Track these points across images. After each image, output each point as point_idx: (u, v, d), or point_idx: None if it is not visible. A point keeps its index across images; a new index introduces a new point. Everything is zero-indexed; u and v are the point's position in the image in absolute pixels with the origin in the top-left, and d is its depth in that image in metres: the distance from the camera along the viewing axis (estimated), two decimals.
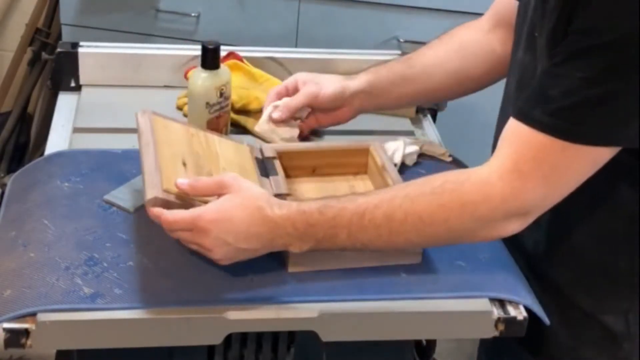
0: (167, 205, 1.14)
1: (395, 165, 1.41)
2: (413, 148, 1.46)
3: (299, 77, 1.45)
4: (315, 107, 1.45)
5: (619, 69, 1.02)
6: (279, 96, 1.46)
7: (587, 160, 1.08)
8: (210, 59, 1.44)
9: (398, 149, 1.45)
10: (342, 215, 1.13)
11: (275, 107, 1.44)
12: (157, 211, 1.13)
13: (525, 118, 1.09)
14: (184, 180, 1.14)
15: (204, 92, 1.45)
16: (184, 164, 1.23)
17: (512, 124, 1.11)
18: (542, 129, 1.07)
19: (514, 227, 1.13)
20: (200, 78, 1.45)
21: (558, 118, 1.06)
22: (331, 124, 1.48)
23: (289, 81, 1.46)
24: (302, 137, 1.51)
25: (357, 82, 1.43)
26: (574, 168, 1.08)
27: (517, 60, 1.24)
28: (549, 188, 1.09)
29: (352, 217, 1.12)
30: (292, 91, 1.45)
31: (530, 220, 1.13)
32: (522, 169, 1.08)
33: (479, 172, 1.12)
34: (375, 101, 1.44)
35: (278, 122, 1.44)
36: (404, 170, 1.44)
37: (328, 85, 1.42)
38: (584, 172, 1.10)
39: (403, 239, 1.14)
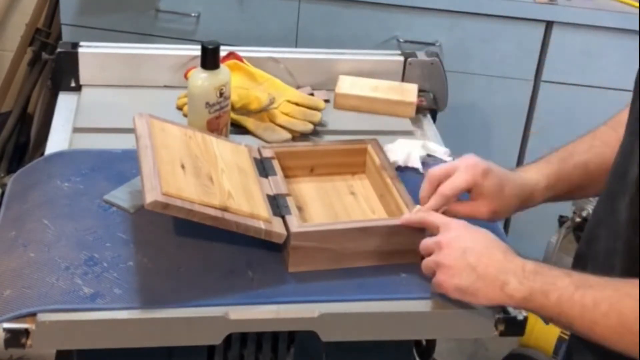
0: (167, 208, 1.14)
1: (407, 166, 1.42)
2: (423, 151, 1.47)
3: (462, 163, 1.23)
4: (478, 195, 1.24)
5: None
6: (440, 181, 1.24)
7: None
8: (210, 59, 1.44)
9: (414, 151, 1.45)
10: (560, 279, 1.05)
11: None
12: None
13: None
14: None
15: (203, 92, 1.44)
16: (182, 167, 1.23)
17: None
18: None
19: None
20: (200, 78, 1.45)
21: None
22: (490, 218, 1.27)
23: (452, 166, 1.24)
24: (299, 138, 1.52)
25: (539, 196, 1.24)
26: None
27: (626, 174, 1.09)
28: None
29: (568, 287, 1.04)
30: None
31: None
32: None
33: None
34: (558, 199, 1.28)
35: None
36: (404, 170, 1.44)
37: (495, 171, 1.22)
38: None
39: (600, 336, 1.03)
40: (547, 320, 1.09)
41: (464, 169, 1.21)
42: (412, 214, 1.22)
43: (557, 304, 1.05)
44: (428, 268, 1.15)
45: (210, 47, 1.44)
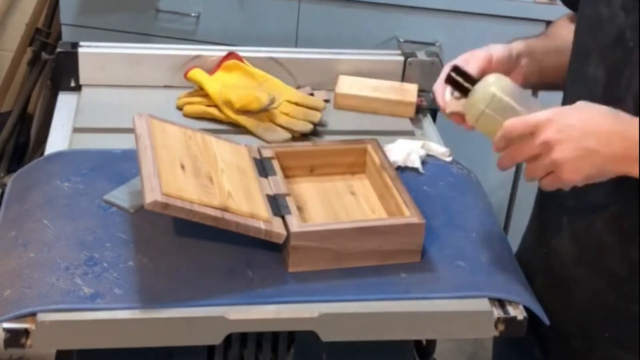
0: (167, 208, 1.14)
1: (407, 166, 1.42)
2: (422, 151, 1.47)
3: (463, 56, 1.27)
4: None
5: None
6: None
7: None
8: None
9: (414, 151, 1.45)
10: None
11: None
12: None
13: None
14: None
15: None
16: (182, 167, 1.23)
17: None
18: None
19: None
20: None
21: None
22: None
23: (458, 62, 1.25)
24: (299, 138, 1.52)
25: (517, 45, 1.30)
26: None
27: (586, 75, 1.19)
28: None
29: None
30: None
31: None
32: None
33: None
34: (536, 66, 1.31)
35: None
36: (404, 170, 1.44)
37: (497, 48, 1.26)
38: None
39: None
40: None
41: (473, 58, 1.23)
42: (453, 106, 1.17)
43: None
44: (540, 172, 1.06)
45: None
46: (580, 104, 1.07)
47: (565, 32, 1.34)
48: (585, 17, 1.22)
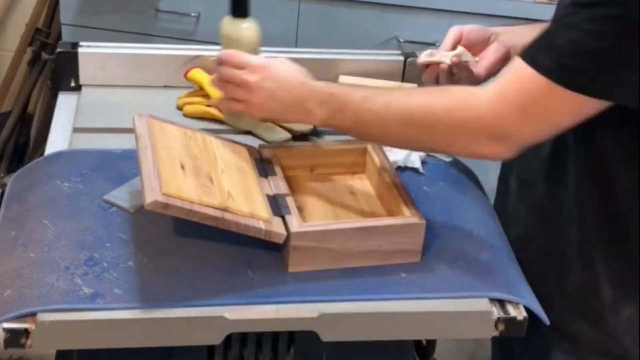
0: (167, 208, 1.14)
1: (407, 166, 1.42)
2: (422, 153, 1.47)
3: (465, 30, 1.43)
4: (465, 44, 1.41)
5: (621, 24, 1.04)
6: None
7: (570, 106, 1.11)
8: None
9: (414, 151, 1.45)
10: (352, 94, 1.23)
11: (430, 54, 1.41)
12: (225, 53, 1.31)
13: (529, 59, 1.12)
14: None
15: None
16: (182, 167, 1.23)
17: (515, 61, 1.15)
18: (540, 70, 1.10)
19: (491, 149, 1.16)
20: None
21: (556, 63, 1.09)
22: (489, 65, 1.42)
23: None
24: (299, 138, 1.52)
25: (497, 28, 1.45)
26: (555, 109, 1.12)
27: None
28: (527, 120, 1.13)
29: (359, 99, 1.23)
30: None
31: (506, 149, 1.16)
32: (507, 95, 1.14)
33: (472, 88, 1.21)
34: (517, 40, 1.40)
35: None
36: (404, 170, 1.44)
37: (469, 25, 1.43)
38: (565, 117, 1.13)
39: (394, 131, 1.22)
40: (345, 131, 1.27)
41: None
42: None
43: (354, 114, 1.22)
44: (232, 102, 1.30)
45: None
46: (284, 62, 1.29)
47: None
48: None
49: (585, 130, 1.17)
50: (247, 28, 1.46)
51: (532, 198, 1.32)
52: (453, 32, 1.41)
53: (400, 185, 1.30)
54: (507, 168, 1.41)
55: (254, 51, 1.44)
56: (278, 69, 1.27)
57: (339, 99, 1.23)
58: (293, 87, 1.25)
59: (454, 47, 1.39)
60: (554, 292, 1.27)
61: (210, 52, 1.68)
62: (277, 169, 1.34)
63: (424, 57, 1.40)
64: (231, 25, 1.46)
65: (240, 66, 1.27)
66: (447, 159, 1.49)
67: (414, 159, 1.45)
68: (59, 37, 2.64)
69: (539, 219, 1.31)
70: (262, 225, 1.19)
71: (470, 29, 1.41)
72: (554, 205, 1.27)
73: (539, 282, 1.26)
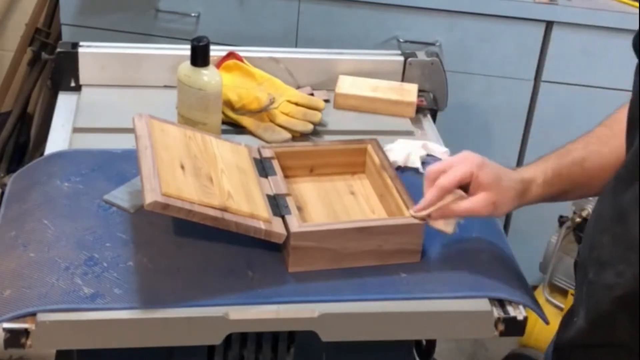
0: (166, 209, 1.14)
1: (407, 166, 1.42)
2: (422, 151, 1.47)
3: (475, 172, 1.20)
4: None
5: None
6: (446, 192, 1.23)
7: None
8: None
9: (414, 151, 1.45)
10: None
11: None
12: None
13: None
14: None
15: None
16: (182, 167, 1.23)
17: None
18: None
19: None
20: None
21: None
22: None
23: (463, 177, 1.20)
24: (299, 138, 1.52)
25: (536, 190, 1.23)
26: None
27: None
28: None
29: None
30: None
31: None
32: None
33: None
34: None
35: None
36: (404, 170, 1.44)
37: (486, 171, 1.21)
38: None
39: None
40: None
41: (461, 161, 1.20)
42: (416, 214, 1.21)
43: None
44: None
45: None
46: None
47: (581, 145, 1.26)
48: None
49: None
50: (210, 76, 1.46)
51: None
52: (460, 173, 1.19)
53: (400, 185, 1.30)
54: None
55: (219, 98, 1.46)
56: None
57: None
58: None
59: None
60: None
61: (211, 52, 1.68)
62: (277, 169, 1.34)
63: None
64: (193, 75, 1.46)
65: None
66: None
67: (414, 159, 1.45)
68: (59, 37, 2.63)
69: None
70: (262, 225, 1.19)
71: (485, 180, 1.19)
72: None
73: None
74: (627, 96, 1.12)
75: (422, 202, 1.20)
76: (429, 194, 1.19)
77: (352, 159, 1.42)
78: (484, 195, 1.18)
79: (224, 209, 1.18)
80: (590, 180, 1.22)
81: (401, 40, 2.37)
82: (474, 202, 1.18)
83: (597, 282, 1.05)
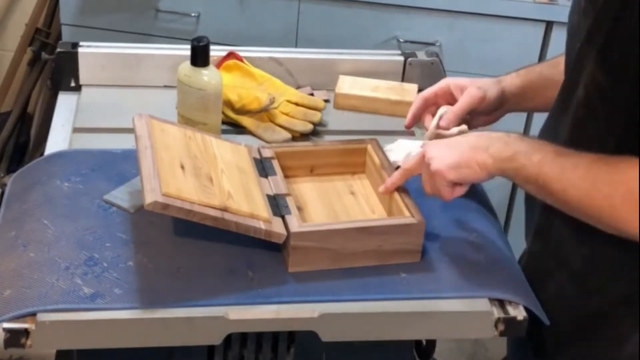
0: (166, 209, 1.14)
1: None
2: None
3: (451, 82, 1.42)
4: (477, 111, 1.40)
5: None
6: (427, 102, 1.42)
7: None
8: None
9: (414, 151, 1.45)
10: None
11: (441, 116, 1.38)
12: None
13: None
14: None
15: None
16: (182, 167, 1.23)
17: None
18: None
19: None
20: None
21: None
22: (483, 125, 1.46)
23: (440, 87, 1.43)
24: (299, 138, 1.52)
25: (512, 87, 1.42)
26: None
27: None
28: None
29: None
30: (443, 97, 1.42)
31: None
32: None
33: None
34: (525, 104, 1.44)
35: (445, 129, 1.38)
36: None
37: (491, 89, 1.40)
38: None
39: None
40: (520, 183, 1.16)
41: (466, 95, 1.38)
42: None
43: (539, 165, 1.12)
44: (427, 184, 1.24)
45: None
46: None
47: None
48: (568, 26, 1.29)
49: None
50: (210, 76, 1.46)
51: None
52: (475, 98, 1.38)
53: (400, 185, 1.30)
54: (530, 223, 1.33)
55: (219, 98, 1.46)
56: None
57: (530, 143, 1.16)
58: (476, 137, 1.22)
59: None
60: None
61: (211, 52, 1.68)
62: (277, 169, 1.34)
63: (431, 131, 1.38)
64: (193, 75, 1.46)
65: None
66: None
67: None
68: (59, 37, 2.64)
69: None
70: (262, 225, 1.19)
71: (490, 99, 1.39)
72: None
73: None
74: None
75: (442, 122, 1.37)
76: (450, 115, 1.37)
77: (352, 159, 1.42)
78: (468, 90, 1.38)
79: (224, 209, 1.18)
80: (551, 85, 1.37)
81: (401, 40, 2.37)
82: (465, 96, 1.37)
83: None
